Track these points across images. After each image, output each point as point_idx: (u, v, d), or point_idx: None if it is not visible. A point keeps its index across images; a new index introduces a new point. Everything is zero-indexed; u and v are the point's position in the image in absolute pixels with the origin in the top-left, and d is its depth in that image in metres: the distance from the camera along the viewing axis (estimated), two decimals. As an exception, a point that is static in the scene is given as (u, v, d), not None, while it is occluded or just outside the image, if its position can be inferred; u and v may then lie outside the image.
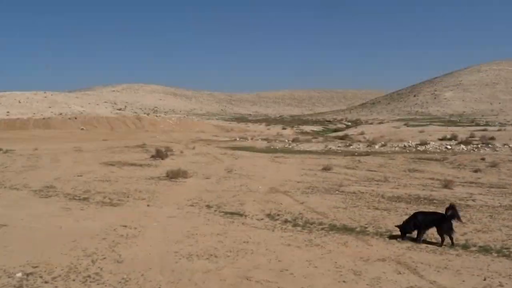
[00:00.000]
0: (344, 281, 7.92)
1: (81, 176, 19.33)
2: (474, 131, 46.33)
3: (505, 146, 32.92)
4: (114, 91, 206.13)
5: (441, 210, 12.45)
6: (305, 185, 17.61)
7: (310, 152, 32.26)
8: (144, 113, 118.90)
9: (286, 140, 43.69)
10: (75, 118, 63.95)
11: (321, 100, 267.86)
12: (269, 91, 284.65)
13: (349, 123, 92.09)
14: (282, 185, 17.60)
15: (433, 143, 36.04)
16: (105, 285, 7.74)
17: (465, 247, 9.87)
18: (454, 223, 10.07)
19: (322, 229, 11.36)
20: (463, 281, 7.88)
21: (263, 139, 44.76)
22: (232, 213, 12.89)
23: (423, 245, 10.00)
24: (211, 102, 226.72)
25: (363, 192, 16.24)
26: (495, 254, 9.26)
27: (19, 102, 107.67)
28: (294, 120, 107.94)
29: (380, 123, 79.46)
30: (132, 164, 23.09)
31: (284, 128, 70.06)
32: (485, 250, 9.56)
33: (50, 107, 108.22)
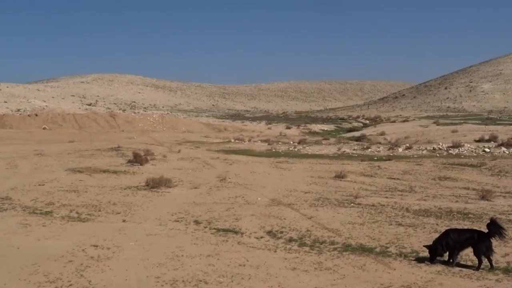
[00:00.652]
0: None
1: (43, 185, 19.40)
2: (518, 130, 46.91)
3: (555, 149, 33.38)
4: (83, 82, 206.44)
5: (478, 226, 12.32)
6: (313, 196, 17.74)
7: (320, 156, 32.53)
8: (119, 109, 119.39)
9: (291, 142, 44.01)
10: (36, 115, 64.05)
11: (332, 94, 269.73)
12: (270, 82, 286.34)
13: (367, 121, 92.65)
14: (286, 196, 17.70)
15: (468, 145, 36.08)
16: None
17: (507, 271, 9.99)
18: (494, 242, 10.08)
19: (335, 249, 11.44)
20: (505, 312, 8.01)
21: (263, 141, 44.98)
22: (225, 230, 12.99)
23: (457, 269, 10.12)
24: (200, 96, 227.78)
25: (383, 205, 16.33)
26: (543, 280, 9.29)
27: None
28: (300, 118, 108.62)
29: (404, 121, 79.93)
30: (104, 171, 23.30)
31: (288, 128, 70.40)
32: (531, 274, 9.63)
33: (5, 102, 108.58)
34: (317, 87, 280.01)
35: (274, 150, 37.17)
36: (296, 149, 37.37)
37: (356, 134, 57.81)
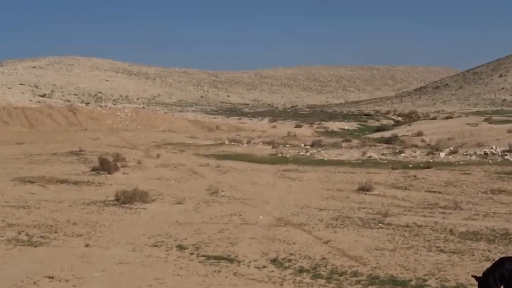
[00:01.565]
0: None
1: (-18, 199, 19.44)
2: None
3: None
4: (35, 67, 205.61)
5: (542, 253, 12.11)
6: (330, 215, 17.80)
7: (339, 163, 32.78)
8: (81, 102, 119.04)
9: (302, 145, 44.52)
10: (-26, 110, 63.84)
11: (356, 82, 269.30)
12: (275, 68, 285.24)
13: (399, 118, 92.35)
14: (296, 215, 17.78)
15: (530, 149, 36.08)
16: None
17: None
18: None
19: (358, 282, 11.46)
20: None
21: (265, 143, 45.45)
22: (217, 258, 13.03)
23: (514, 308, 10.04)
24: (185, 85, 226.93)
25: (420, 226, 16.38)
26: None
27: None
28: (314, 114, 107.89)
29: (447, 117, 79.62)
30: (62, 181, 23.27)
31: (298, 126, 70.58)
32: None
33: None
34: (336, 74, 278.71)
35: (280, 155, 37.49)
36: (308, 154, 37.79)
37: (386, 134, 57.88)
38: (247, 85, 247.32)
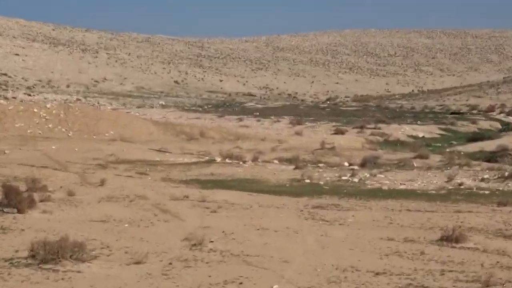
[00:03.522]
0: None
1: None
2: None
3: None
4: None
5: None
6: (394, 283, 14.52)
7: (409, 194, 28.06)
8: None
9: (346, 164, 37.56)
10: None
11: (436, 58, 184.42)
12: (297, 33, 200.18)
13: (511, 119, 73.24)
14: (336, 283, 14.43)
15: None
16: None
17: None
18: None
19: None
20: None
21: (284, 161, 38.71)
22: None
23: None
24: (149, 62, 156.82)
25: None
26: None
27: None
28: (365, 111, 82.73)
29: None
30: None
31: (339, 132, 56.45)
32: None
33: None
34: (401, 44, 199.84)
35: (308, 180, 31.54)
36: (356, 180, 31.86)
37: (488, 146, 46.94)
38: (253, 62, 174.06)
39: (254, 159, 37.84)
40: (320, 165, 37.57)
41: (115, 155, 38.94)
